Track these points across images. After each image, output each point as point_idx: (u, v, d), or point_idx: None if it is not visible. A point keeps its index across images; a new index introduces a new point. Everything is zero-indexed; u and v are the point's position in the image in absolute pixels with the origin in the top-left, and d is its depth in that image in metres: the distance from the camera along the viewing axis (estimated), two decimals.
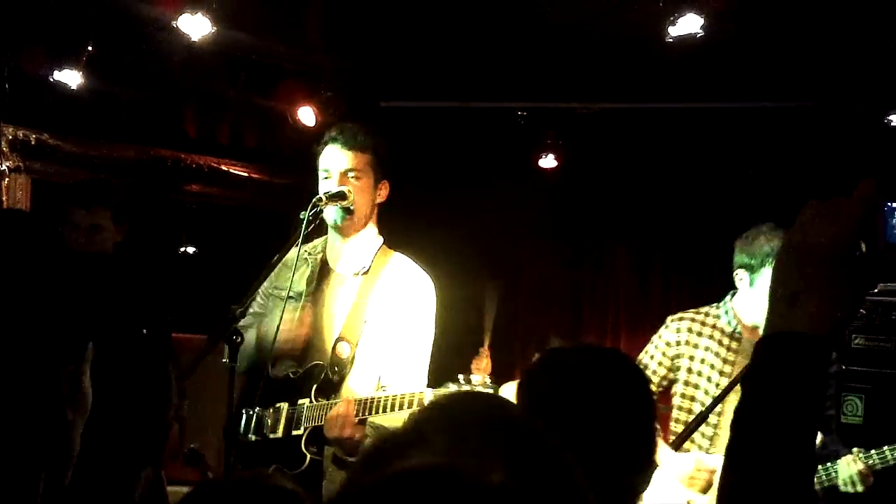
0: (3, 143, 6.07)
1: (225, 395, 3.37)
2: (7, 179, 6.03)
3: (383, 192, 3.78)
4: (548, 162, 7.29)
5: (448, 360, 3.93)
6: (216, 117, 7.00)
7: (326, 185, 3.66)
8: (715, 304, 4.18)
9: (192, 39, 5.54)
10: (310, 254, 3.82)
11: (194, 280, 7.42)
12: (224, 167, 7.00)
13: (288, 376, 3.67)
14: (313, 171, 3.76)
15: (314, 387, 3.58)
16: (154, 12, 5.68)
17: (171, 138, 6.85)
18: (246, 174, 7.10)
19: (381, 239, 3.82)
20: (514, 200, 7.84)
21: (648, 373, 4.17)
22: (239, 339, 3.36)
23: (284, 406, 3.62)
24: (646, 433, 2.05)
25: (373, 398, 3.38)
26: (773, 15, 5.67)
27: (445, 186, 7.61)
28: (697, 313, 4.18)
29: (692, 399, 4.08)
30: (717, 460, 3.85)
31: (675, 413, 4.15)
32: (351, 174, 3.65)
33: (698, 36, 5.34)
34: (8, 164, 6.06)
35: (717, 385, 4.02)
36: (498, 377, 7.73)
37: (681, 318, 4.19)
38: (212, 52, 5.95)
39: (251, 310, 3.80)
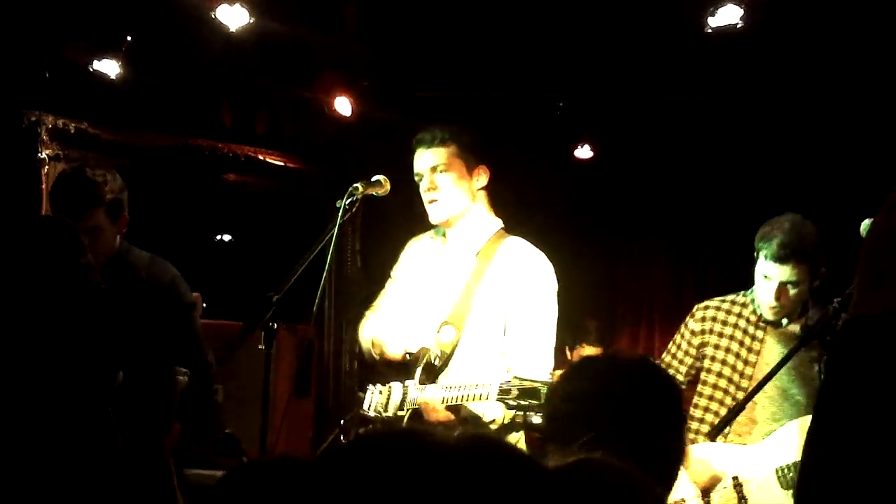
0: (43, 131, 6.12)
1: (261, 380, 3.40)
2: (47, 167, 6.09)
3: (483, 177, 3.92)
4: (584, 152, 7.26)
5: None
6: (253, 107, 7.02)
7: (423, 186, 3.83)
8: (743, 292, 4.18)
9: (230, 30, 5.57)
10: (430, 237, 3.94)
11: (231, 267, 7.48)
12: (261, 156, 7.03)
13: (405, 356, 3.78)
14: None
15: (418, 369, 3.68)
16: (193, 2, 5.71)
17: (208, 128, 6.88)
18: (282, 163, 7.12)
19: (497, 222, 3.92)
20: (552, 191, 7.83)
21: (675, 362, 4.17)
22: (275, 326, 3.40)
23: (395, 386, 3.73)
24: (673, 441, 2.03)
25: (452, 389, 3.49)
26: (812, 6, 5.62)
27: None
28: (724, 301, 4.18)
29: (714, 387, 4.08)
30: (705, 450, 3.83)
31: (695, 399, 4.14)
32: (439, 169, 3.80)
33: (738, 27, 5.30)
34: (48, 152, 6.11)
35: (742, 373, 4.00)
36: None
37: (706, 307, 4.20)
38: (249, 42, 5.97)
39: (382, 296, 4.03)
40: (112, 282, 3.76)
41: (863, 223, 2.90)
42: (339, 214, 3.60)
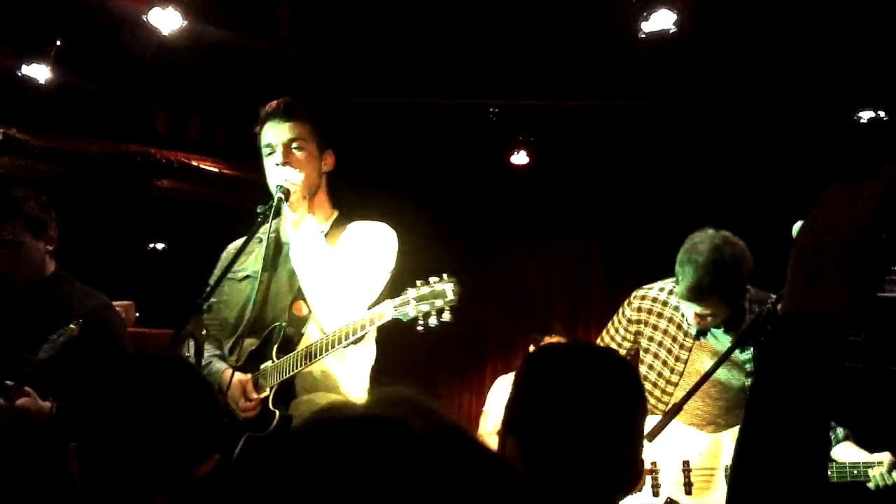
0: None
1: None
2: None
3: (329, 161, 3.73)
4: (520, 158, 7.29)
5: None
6: (186, 112, 6.95)
7: (271, 161, 3.60)
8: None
9: (163, 34, 5.51)
10: (264, 233, 3.79)
11: (164, 276, 7.38)
12: (195, 163, 6.96)
13: (251, 351, 3.65)
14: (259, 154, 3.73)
15: (274, 348, 3.57)
16: (124, 6, 5.64)
17: (141, 133, 6.80)
18: (217, 170, 7.06)
19: (335, 212, 3.81)
20: (487, 197, 7.87)
21: (614, 345, 4.15)
22: (205, 333, 3.35)
23: (248, 377, 3.61)
24: (632, 434, 1.99)
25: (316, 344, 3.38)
26: (745, 11, 5.69)
27: (418, 183, 7.61)
28: (661, 290, 4.10)
29: (649, 367, 4.04)
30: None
31: None
32: (294, 144, 3.61)
33: (671, 32, 5.35)
34: None
35: (677, 359, 3.98)
36: (467, 372, 7.71)
37: (643, 297, 4.12)
38: (182, 46, 5.91)
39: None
40: (28, 305, 3.64)
41: (794, 225, 2.90)
42: (259, 220, 3.55)
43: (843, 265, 1.26)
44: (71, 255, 4.12)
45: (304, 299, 3.62)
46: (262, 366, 3.59)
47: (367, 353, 3.73)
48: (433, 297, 3.19)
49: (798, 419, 1.20)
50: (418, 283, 3.21)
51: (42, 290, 3.71)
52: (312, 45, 6.53)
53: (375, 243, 3.67)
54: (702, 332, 3.96)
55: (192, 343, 3.32)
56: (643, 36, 5.40)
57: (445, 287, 3.19)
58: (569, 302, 8.09)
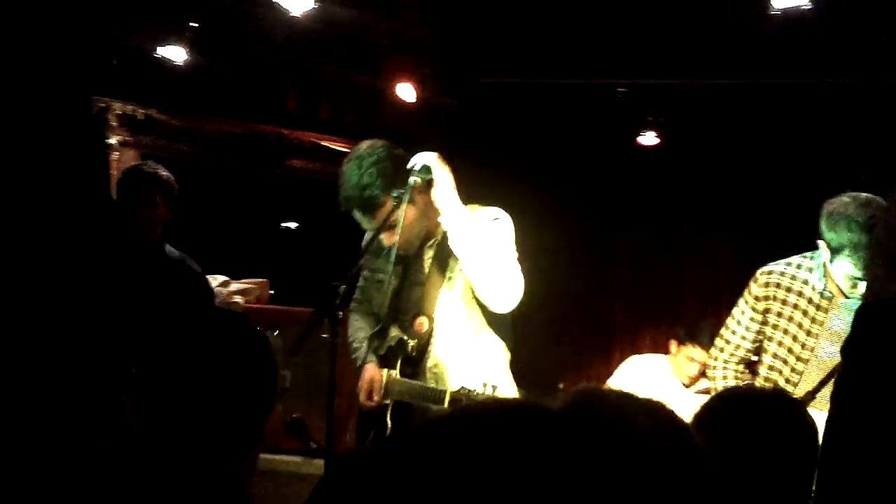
0: (111, 117, 6.21)
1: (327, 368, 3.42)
2: (116, 153, 6.18)
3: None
4: (648, 139, 7.20)
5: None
6: (317, 93, 7.05)
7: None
8: (810, 255, 3.94)
9: (294, 15, 5.59)
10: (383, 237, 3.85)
11: (297, 254, 7.53)
12: (325, 143, 7.06)
13: (388, 349, 3.82)
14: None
15: (399, 360, 3.74)
16: None
17: (273, 114, 6.93)
18: (346, 150, 7.13)
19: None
20: (616, 178, 7.79)
21: (742, 329, 4.03)
22: (341, 315, 3.43)
23: (382, 377, 3.79)
24: (804, 483, 1.96)
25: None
26: None
27: (544, 164, 7.59)
28: (789, 265, 3.96)
29: (774, 356, 3.93)
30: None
31: (760, 370, 4.02)
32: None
33: (803, 8, 5.20)
34: (117, 138, 6.21)
35: (804, 346, 3.87)
36: (594, 357, 7.65)
37: (770, 272, 3.98)
38: (313, 28, 5.99)
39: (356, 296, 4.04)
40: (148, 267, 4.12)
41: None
42: (396, 204, 3.60)
43: None
44: (206, 233, 4.26)
45: (426, 313, 3.70)
46: (395, 377, 3.71)
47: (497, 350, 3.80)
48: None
49: (885, 406, 1.16)
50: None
51: (154, 249, 4.69)
52: (440, 25, 6.55)
53: (504, 235, 3.72)
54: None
55: (328, 323, 3.41)
56: (775, 12, 5.26)
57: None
58: (699, 291, 7.91)
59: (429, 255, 3.80)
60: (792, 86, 6.71)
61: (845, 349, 1.24)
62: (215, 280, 5.38)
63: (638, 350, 6.83)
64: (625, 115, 7.11)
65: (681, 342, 5.97)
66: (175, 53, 6.00)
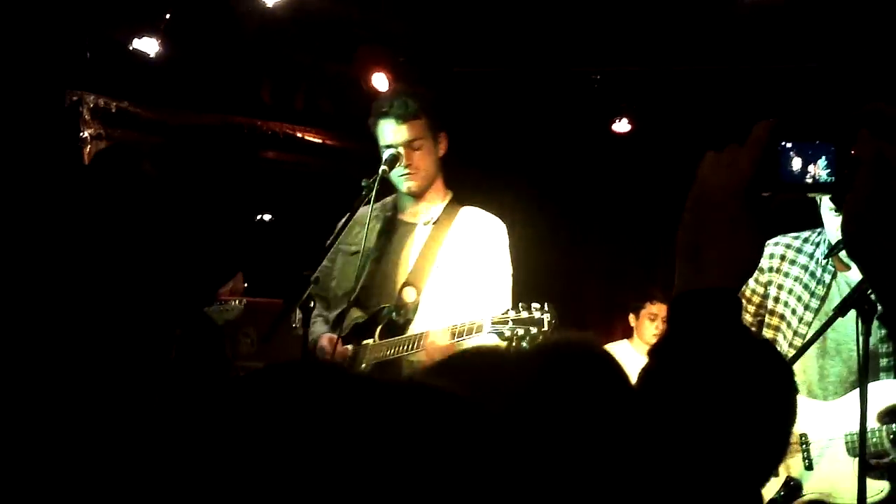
0: (84, 110, 6.19)
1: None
2: (89, 146, 6.15)
3: (443, 144, 3.93)
4: (621, 126, 7.22)
5: None
6: (291, 84, 7.04)
7: (400, 160, 3.78)
8: (819, 230, 3.77)
9: (268, 5, 5.58)
10: (381, 211, 3.92)
11: (271, 246, 7.52)
12: (299, 134, 7.06)
13: (356, 324, 3.81)
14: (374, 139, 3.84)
15: (379, 328, 3.73)
16: None
17: (247, 105, 6.92)
18: (320, 141, 7.15)
19: (450, 193, 3.92)
20: (589, 164, 7.81)
21: (743, 301, 3.91)
22: (312, 305, 3.45)
23: (349, 348, 3.76)
24: (780, 442, 1.89)
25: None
26: None
27: (519, 152, 7.60)
28: (796, 238, 3.82)
29: (776, 329, 3.76)
30: None
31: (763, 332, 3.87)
32: (414, 144, 3.77)
33: None
34: (90, 131, 6.19)
35: (801, 319, 3.67)
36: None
37: (776, 243, 3.83)
38: (286, 18, 5.98)
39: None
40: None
41: None
42: (364, 193, 3.66)
43: (723, 233, 1.21)
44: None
45: (415, 285, 3.72)
46: (365, 341, 3.70)
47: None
48: (530, 324, 3.32)
49: (704, 407, 1.13)
50: (521, 305, 3.38)
51: None
52: (413, 14, 6.55)
53: (502, 242, 3.78)
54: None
55: (299, 314, 3.43)
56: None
57: (543, 317, 3.35)
58: (671, 272, 7.95)
59: (425, 232, 3.86)
60: (765, 71, 6.74)
61: (653, 349, 1.22)
62: None
63: (612, 335, 6.87)
64: (599, 103, 7.13)
65: (637, 311, 6.03)
66: (148, 46, 5.98)
